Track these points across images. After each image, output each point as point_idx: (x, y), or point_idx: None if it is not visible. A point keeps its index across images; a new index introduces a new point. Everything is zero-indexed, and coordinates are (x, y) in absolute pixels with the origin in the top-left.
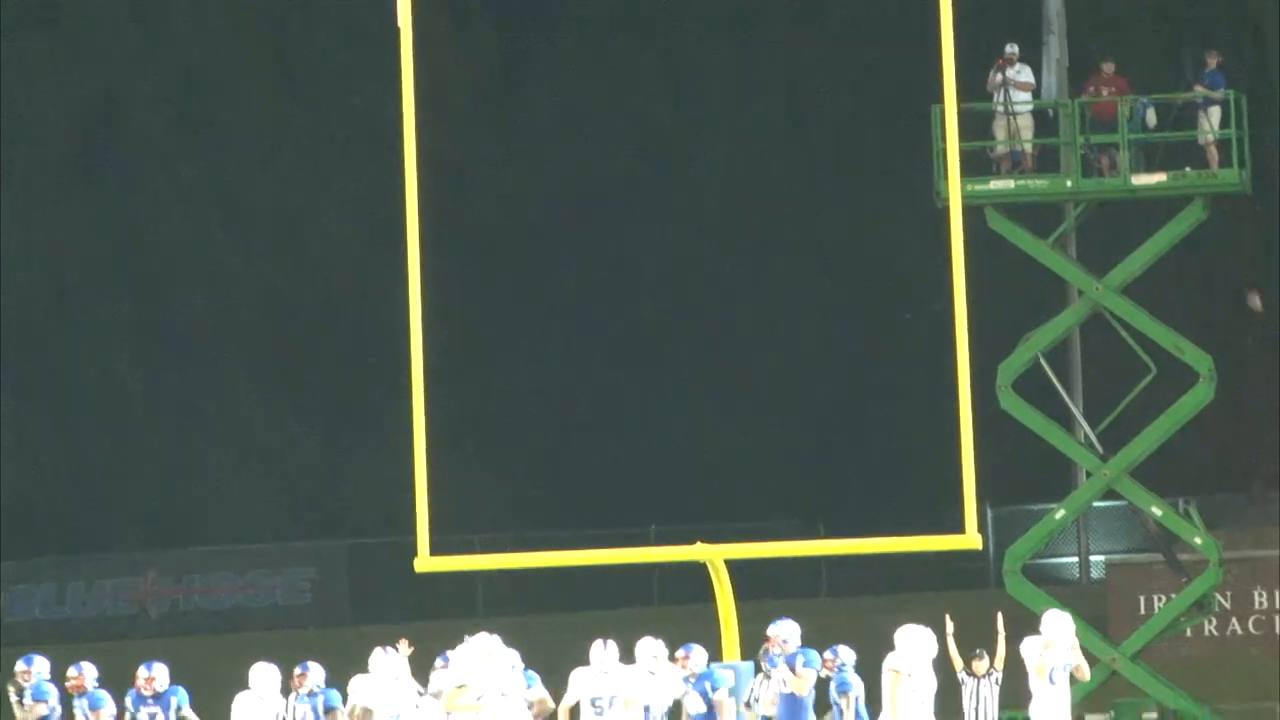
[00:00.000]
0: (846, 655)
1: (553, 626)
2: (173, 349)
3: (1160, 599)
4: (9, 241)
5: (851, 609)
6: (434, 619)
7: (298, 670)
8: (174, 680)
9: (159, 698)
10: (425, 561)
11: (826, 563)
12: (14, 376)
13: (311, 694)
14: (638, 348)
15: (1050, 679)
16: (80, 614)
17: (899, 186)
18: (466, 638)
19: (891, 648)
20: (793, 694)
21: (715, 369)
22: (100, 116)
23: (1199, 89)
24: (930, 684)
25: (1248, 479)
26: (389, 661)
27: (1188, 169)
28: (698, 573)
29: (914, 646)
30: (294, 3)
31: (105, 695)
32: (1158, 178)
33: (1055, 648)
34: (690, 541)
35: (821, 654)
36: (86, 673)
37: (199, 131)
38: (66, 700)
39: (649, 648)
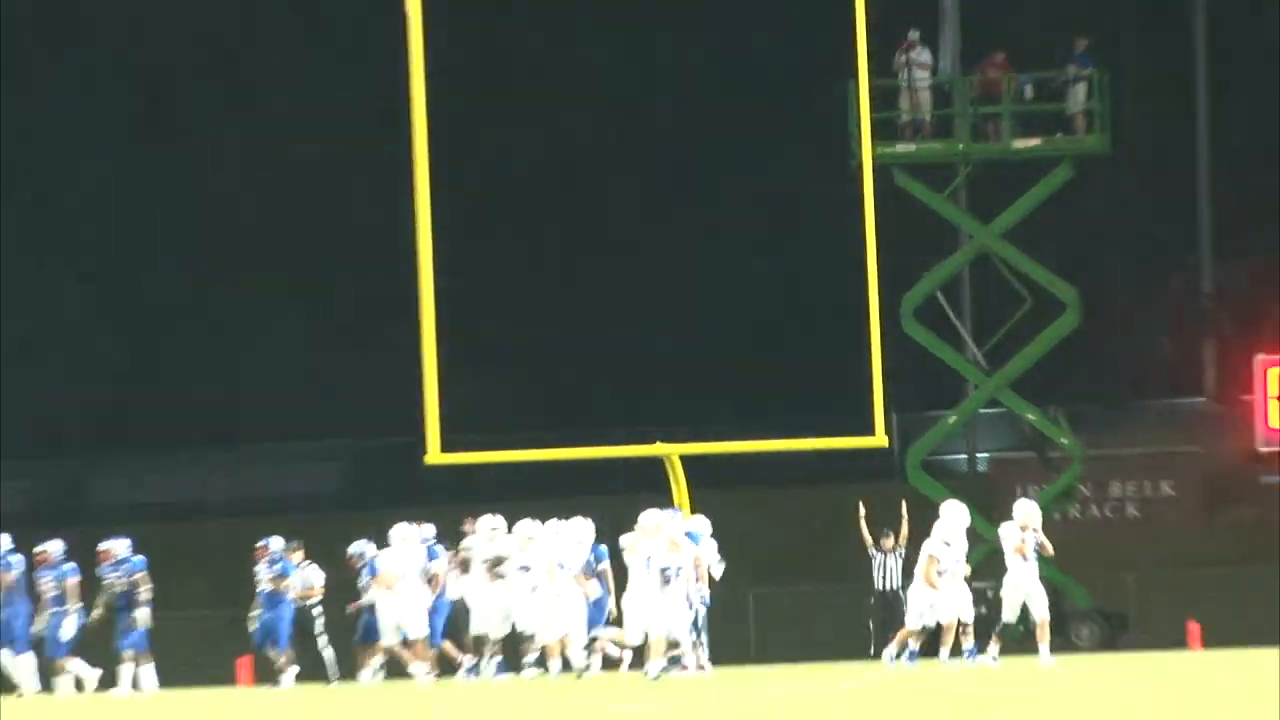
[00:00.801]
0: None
1: (546, 510)
2: (225, 277)
3: (1034, 489)
4: (86, 181)
5: (779, 497)
6: (442, 505)
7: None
8: (245, 556)
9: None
10: (435, 456)
11: (757, 458)
12: (97, 297)
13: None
14: (611, 271)
15: (1024, 556)
16: (153, 499)
17: (820, 148)
18: (468, 521)
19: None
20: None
21: (671, 297)
22: (155, 83)
23: (1070, 68)
24: (962, 553)
25: (1112, 390)
26: (490, 525)
27: (1059, 135)
28: (653, 466)
29: (956, 519)
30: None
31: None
32: (1034, 142)
33: (1030, 530)
34: (650, 441)
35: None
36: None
37: (245, 100)
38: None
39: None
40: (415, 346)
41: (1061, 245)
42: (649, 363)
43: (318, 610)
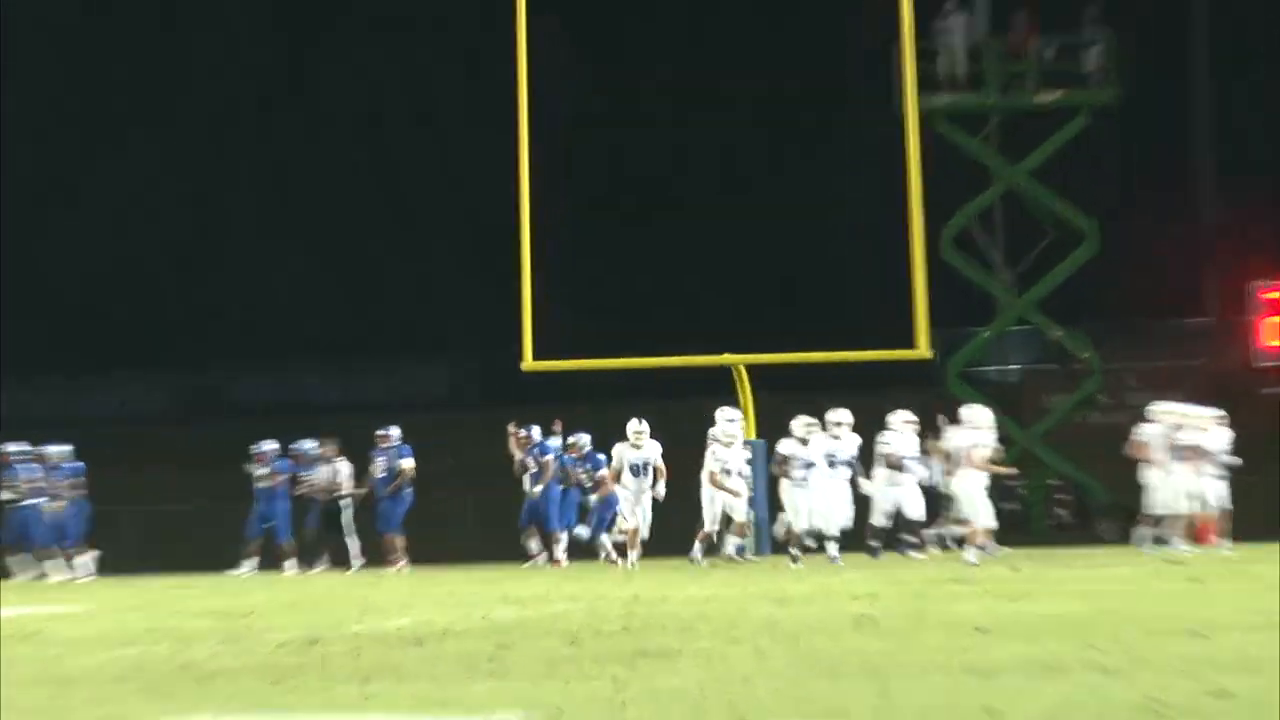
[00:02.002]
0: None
1: (624, 411)
2: (417, 236)
3: (1059, 397)
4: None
5: (839, 399)
6: (531, 405)
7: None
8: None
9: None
10: (529, 364)
11: (820, 368)
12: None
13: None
14: (699, 201)
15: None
16: (308, 399)
17: (869, 102)
18: (557, 423)
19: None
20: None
21: (747, 227)
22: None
23: (1085, 30)
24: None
25: (1127, 310)
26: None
27: (1075, 88)
28: (723, 373)
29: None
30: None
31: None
32: (1054, 95)
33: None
34: (719, 352)
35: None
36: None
37: (387, 132)
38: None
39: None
40: (518, 279)
41: (1081, 182)
42: (725, 281)
43: (345, 502)
